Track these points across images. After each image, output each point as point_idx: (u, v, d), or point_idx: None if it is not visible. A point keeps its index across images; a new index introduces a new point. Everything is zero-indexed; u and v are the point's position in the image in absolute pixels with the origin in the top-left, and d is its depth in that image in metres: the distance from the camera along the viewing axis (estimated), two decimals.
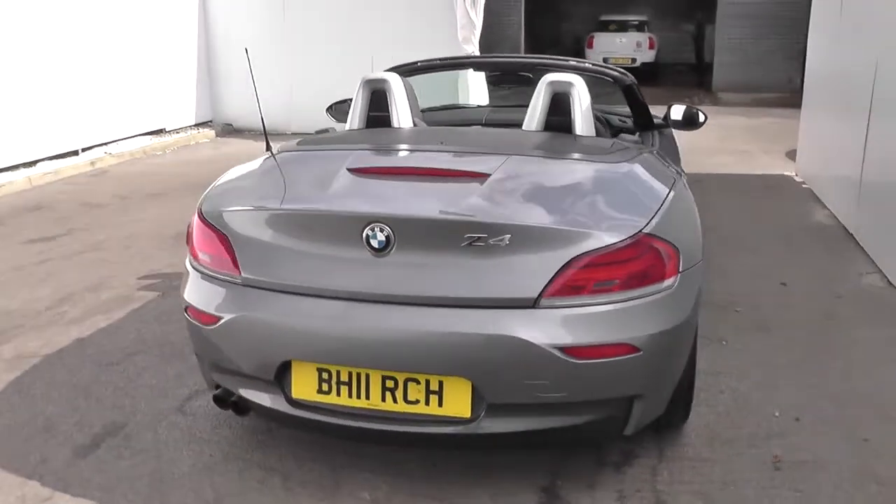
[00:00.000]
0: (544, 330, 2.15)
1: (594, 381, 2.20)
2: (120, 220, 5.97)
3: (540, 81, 3.15)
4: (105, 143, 8.46)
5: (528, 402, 2.20)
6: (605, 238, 2.19)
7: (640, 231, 2.24)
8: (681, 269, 2.32)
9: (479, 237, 2.16)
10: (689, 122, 3.71)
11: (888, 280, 4.33)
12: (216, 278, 2.41)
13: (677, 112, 3.75)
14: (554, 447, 2.64)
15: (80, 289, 4.40)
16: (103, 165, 8.09)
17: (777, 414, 2.98)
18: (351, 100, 4.12)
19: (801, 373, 3.31)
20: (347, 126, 3.25)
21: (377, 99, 3.19)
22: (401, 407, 2.25)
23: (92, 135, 8.30)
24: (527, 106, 4.47)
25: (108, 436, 2.87)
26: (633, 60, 16.92)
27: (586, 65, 3.78)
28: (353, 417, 2.28)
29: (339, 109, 4.16)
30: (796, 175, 7.21)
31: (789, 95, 14.15)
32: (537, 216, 2.27)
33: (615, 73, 3.74)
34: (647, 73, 16.85)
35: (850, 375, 3.29)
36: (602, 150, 2.81)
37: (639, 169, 2.65)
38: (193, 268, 2.52)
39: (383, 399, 2.26)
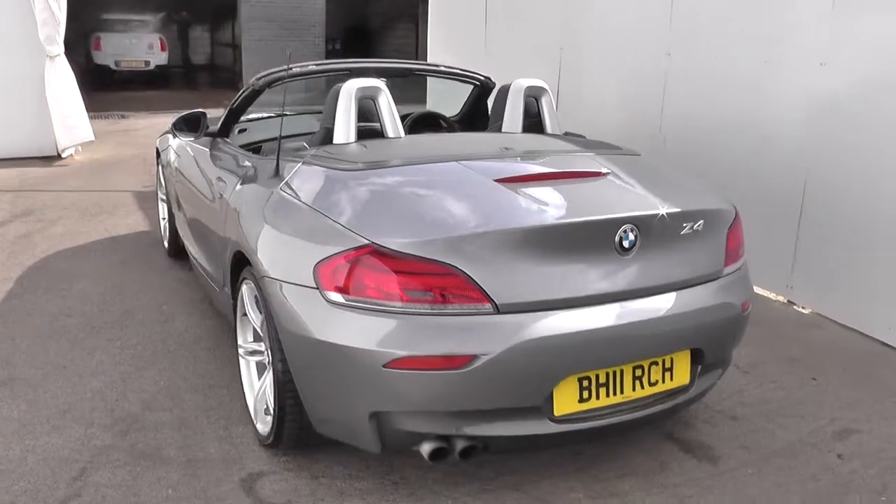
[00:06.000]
0: (731, 293, 2.57)
1: (744, 332, 2.71)
2: None
3: (513, 87, 3.36)
4: None
5: (722, 357, 2.60)
6: (732, 213, 2.69)
7: (733, 205, 2.80)
8: None
9: (690, 225, 2.45)
10: None
11: None
12: (450, 314, 2.13)
13: None
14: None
15: None
16: None
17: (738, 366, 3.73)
18: (199, 113, 3.65)
19: None
20: (338, 138, 2.93)
21: (362, 109, 2.98)
22: (647, 391, 2.40)
23: None
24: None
25: None
26: (147, 63, 16.15)
27: (455, 70, 4.02)
28: (611, 415, 2.34)
29: (187, 124, 3.65)
30: None
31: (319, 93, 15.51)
32: (707, 202, 2.62)
33: (481, 77, 4.09)
34: (162, 77, 16.33)
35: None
36: (612, 144, 3.21)
37: None
38: (393, 312, 2.13)
39: (633, 388, 2.37)
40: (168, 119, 10.94)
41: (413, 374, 2.12)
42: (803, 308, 4.36)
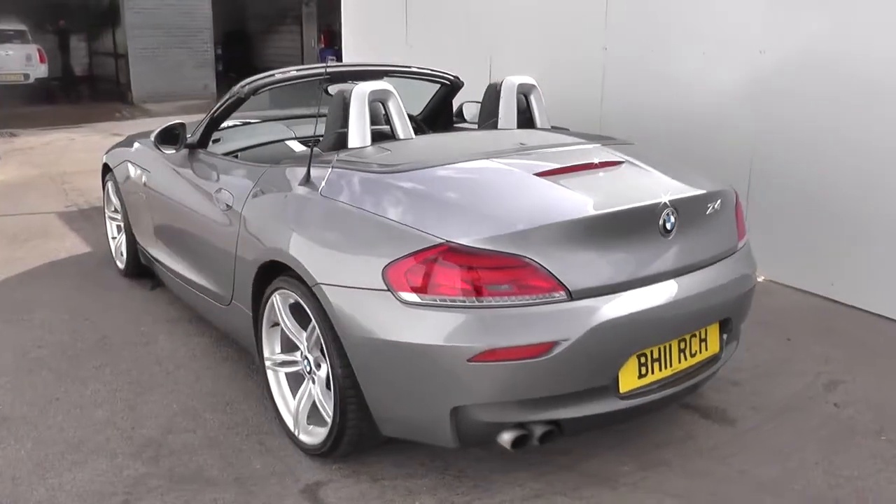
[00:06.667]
0: (746, 265, 2.78)
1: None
2: None
3: (505, 85, 3.44)
4: None
5: (738, 328, 2.79)
6: (733, 193, 2.89)
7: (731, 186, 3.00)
8: None
9: (712, 205, 2.63)
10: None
11: None
12: (529, 305, 2.20)
13: (469, 110, 4.36)
14: None
15: None
16: None
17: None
18: (178, 124, 3.55)
19: None
20: (353, 142, 2.91)
21: (371, 112, 2.99)
22: (689, 362, 2.55)
23: None
24: (311, 117, 4.44)
25: None
26: (27, 77, 15.09)
27: (426, 70, 4.07)
28: (664, 388, 2.47)
29: (166, 137, 3.58)
30: None
31: (210, 101, 15.01)
32: (716, 184, 2.78)
33: (451, 77, 4.16)
34: (43, 91, 15.35)
35: None
36: (605, 135, 3.35)
37: None
38: (474, 307, 2.18)
39: (679, 361, 2.52)
40: (63, 135, 10.50)
41: (498, 365, 2.17)
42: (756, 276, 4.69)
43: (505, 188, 2.51)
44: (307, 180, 2.70)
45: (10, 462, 2.76)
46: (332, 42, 19.14)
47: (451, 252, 2.20)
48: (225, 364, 3.52)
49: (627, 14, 5.27)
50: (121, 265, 4.69)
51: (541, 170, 2.59)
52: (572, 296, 2.24)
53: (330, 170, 2.69)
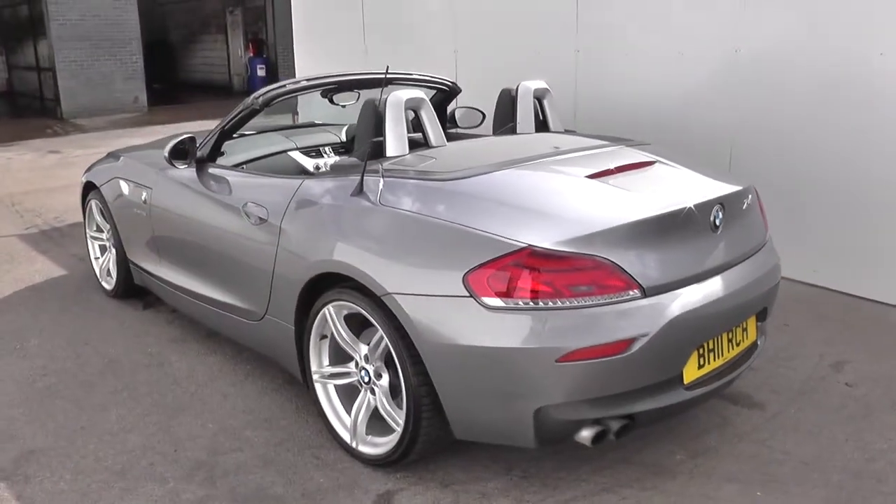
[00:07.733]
0: (775, 255, 2.92)
1: None
2: None
3: (521, 90, 3.50)
4: None
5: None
6: (754, 188, 3.04)
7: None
8: None
9: (746, 200, 2.77)
10: (472, 122, 4.41)
11: None
12: (604, 304, 2.26)
13: (460, 114, 4.42)
14: None
15: None
16: None
17: None
18: (188, 138, 3.49)
19: None
20: (391, 150, 2.92)
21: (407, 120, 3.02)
22: (735, 351, 2.67)
23: None
24: (308, 126, 4.42)
25: None
26: None
27: (426, 77, 4.10)
28: (719, 377, 2.59)
29: (179, 152, 3.51)
30: None
31: (142, 114, 14.56)
32: (741, 180, 2.91)
33: (449, 83, 4.21)
34: None
35: None
36: (621, 137, 3.46)
37: None
38: (559, 308, 2.23)
39: (728, 350, 2.64)
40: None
41: (583, 364, 2.23)
42: None
43: (567, 191, 2.57)
44: (360, 190, 2.70)
45: (52, 496, 2.65)
46: (259, 51, 18.82)
47: (534, 256, 2.25)
48: (249, 381, 3.47)
49: (599, 14, 5.43)
50: (108, 286, 4.54)
51: (590, 172, 2.67)
52: (646, 293, 2.33)
53: (381, 179, 2.70)
